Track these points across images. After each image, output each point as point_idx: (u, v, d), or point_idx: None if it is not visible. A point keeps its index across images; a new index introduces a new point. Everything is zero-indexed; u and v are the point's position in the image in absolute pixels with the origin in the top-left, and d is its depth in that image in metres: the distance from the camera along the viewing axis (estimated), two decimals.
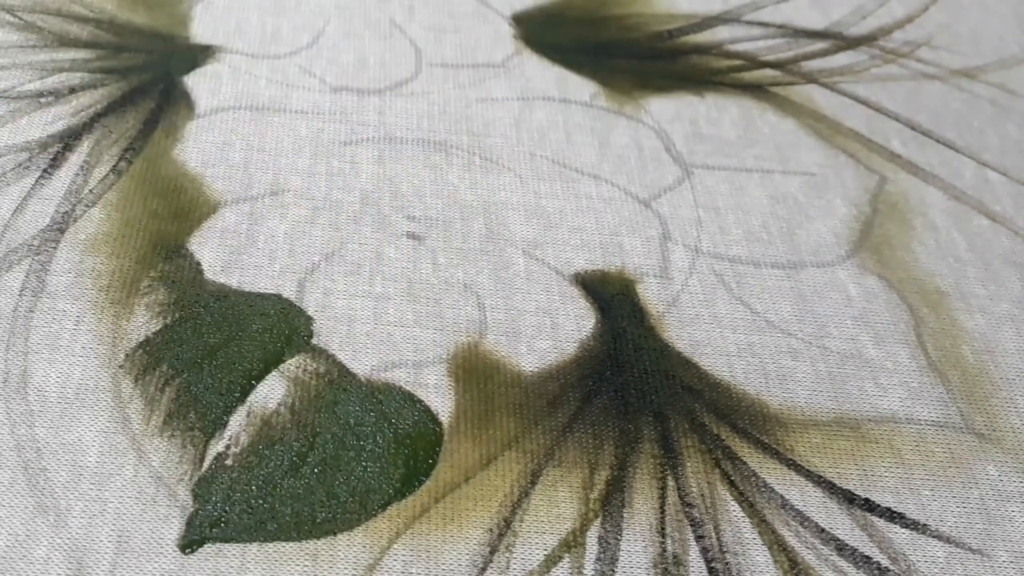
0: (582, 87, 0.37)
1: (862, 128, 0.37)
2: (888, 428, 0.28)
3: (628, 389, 0.28)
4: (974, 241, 0.33)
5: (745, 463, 0.27)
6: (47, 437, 0.26)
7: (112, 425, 0.26)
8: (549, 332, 0.29)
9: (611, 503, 0.26)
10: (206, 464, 0.26)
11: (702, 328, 0.30)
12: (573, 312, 0.30)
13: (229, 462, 0.26)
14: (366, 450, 0.26)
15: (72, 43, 0.36)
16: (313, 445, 0.26)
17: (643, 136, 0.35)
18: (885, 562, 0.26)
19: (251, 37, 0.37)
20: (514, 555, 0.25)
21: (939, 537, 0.26)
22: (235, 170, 0.32)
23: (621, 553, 0.25)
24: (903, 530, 0.26)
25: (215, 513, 0.25)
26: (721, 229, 0.33)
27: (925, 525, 0.26)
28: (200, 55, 0.36)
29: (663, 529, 0.26)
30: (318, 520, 0.25)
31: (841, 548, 0.26)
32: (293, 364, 0.28)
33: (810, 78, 0.38)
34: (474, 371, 0.28)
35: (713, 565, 0.25)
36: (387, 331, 0.29)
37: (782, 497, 0.27)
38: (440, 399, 0.28)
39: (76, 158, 0.32)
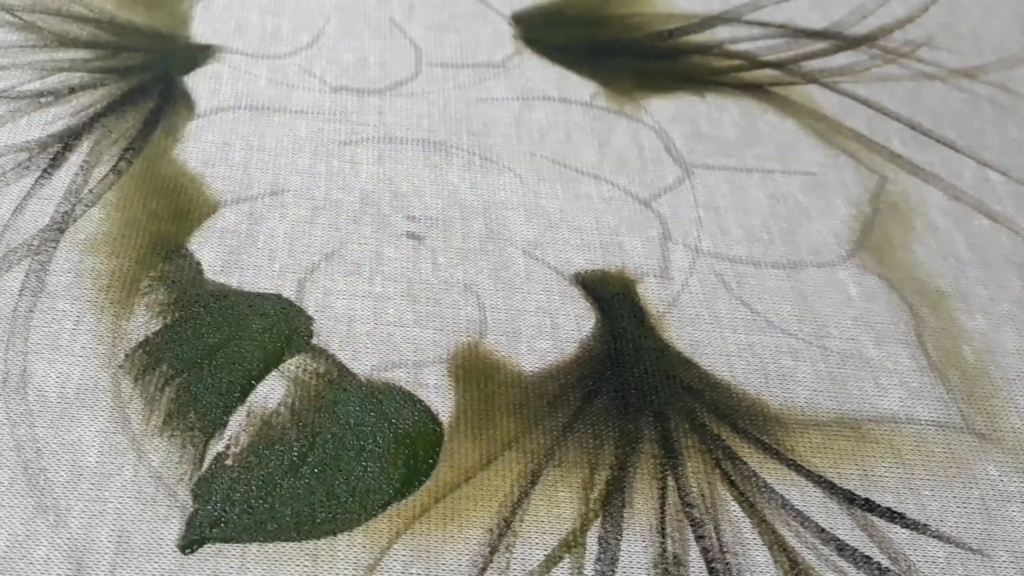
0: (582, 87, 0.37)
1: (862, 128, 0.37)
2: (888, 428, 0.28)
3: (628, 389, 0.28)
4: (974, 241, 0.33)
5: (745, 463, 0.27)
6: (47, 437, 0.26)
7: (112, 425, 0.26)
8: (549, 332, 0.29)
9: (611, 503, 0.26)
10: (206, 464, 0.26)
11: (702, 328, 0.30)
12: (573, 312, 0.30)
13: (229, 462, 0.26)
14: (366, 450, 0.26)
15: (72, 43, 0.36)
16: (313, 445, 0.26)
17: (643, 136, 0.35)
18: (885, 562, 0.26)
19: (251, 37, 0.37)
20: (514, 555, 0.25)
21: (939, 537, 0.26)
22: (235, 170, 0.32)
23: (621, 553, 0.25)
24: (903, 530, 0.26)
25: (215, 513, 0.25)
26: (721, 229, 0.33)
27: (925, 525, 0.26)
28: (200, 55, 0.36)
29: (663, 529, 0.26)
30: (318, 520, 0.25)
31: (841, 548, 0.26)
32: (293, 364, 0.28)
33: (810, 78, 0.38)
34: (474, 371, 0.28)
35: (713, 565, 0.25)
36: (387, 331, 0.29)
37: (782, 497, 0.27)
38: (440, 399, 0.28)
39: (76, 158, 0.32)
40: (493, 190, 0.33)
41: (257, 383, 0.27)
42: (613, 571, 0.25)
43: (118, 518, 0.25)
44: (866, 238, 0.33)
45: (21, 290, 0.28)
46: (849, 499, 0.27)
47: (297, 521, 0.25)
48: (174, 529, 0.25)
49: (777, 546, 0.26)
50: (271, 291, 0.29)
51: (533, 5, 0.40)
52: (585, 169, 0.34)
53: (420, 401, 0.27)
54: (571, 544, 0.25)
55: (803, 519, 0.26)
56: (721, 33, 0.40)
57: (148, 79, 0.35)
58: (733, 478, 0.27)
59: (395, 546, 0.25)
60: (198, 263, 0.30)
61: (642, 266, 0.31)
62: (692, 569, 0.25)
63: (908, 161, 0.36)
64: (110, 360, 0.27)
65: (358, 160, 0.33)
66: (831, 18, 0.41)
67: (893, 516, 0.27)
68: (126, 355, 0.28)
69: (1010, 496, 0.27)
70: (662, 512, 0.26)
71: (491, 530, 0.25)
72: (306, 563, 0.24)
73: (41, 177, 0.31)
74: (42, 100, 0.33)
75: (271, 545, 0.25)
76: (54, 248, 0.30)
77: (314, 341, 0.28)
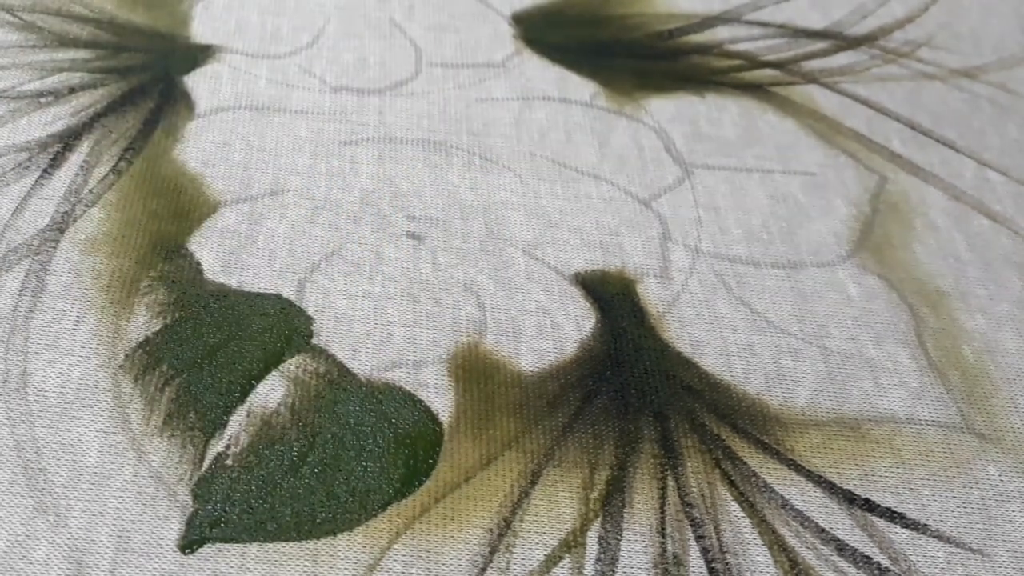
0: (582, 87, 0.37)
1: (862, 128, 0.37)
2: (888, 428, 0.28)
3: (628, 389, 0.28)
4: (974, 241, 0.33)
5: (745, 463, 0.27)
6: (47, 437, 0.26)
7: (112, 425, 0.26)
8: (549, 332, 0.29)
9: (611, 503, 0.26)
10: (206, 464, 0.26)
11: (702, 328, 0.30)
12: (573, 312, 0.30)
13: (229, 462, 0.26)
14: (366, 450, 0.26)
15: (72, 43, 0.36)
16: (313, 445, 0.26)
17: (643, 136, 0.35)
18: (885, 562, 0.26)
19: (251, 37, 0.37)
20: (514, 555, 0.25)
21: (939, 537, 0.26)
22: (235, 170, 0.32)
23: (621, 553, 0.25)
24: (903, 530, 0.26)
25: (215, 513, 0.25)
26: (721, 229, 0.33)
27: (925, 525, 0.26)
28: (200, 55, 0.36)
29: (663, 529, 0.26)
30: (318, 520, 0.25)
31: (841, 548, 0.26)
32: (293, 364, 0.28)
33: (810, 78, 0.38)
34: (474, 371, 0.28)
35: (713, 565, 0.25)
36: (387, 331, 0.29)
37: (782, 497, 0.27)
38: (440, 399, 0.28)
39: (76, 158, 0.32)
40: (493, 190, 0.33)
41: (257, 383, 0.27)
42: (613, 571, 0.25)
43: (118, 518, 0.25)
44: (866, 238, 0.33)
45: (21, 290, 0.28)
46: (849, 499, 0.27)
47: (297, 521, 0.25)
48: (174, 529, 0.25)
49: (777, 546, 0.26)
50: (271, 291, 0.29)
51: (533, 5, 0.40)
52: (585, 169, 0.34)
53: (420, 401, 0.27)
54: (571, 544, 0.25)
55: (803, 519, 0.26)
56: (721, 33, 0.40)
57: (148, 79, 0.35)
58: (733, 478, 0.27)
59: (395, 546, 0.25)
60: (198, 263, 0.30)
61: (642, 266, 0.31)
62: (692, 569, 0.25)
63: (908, 161, 0.36)
64: (110, 360, 0.27)
65: (358, 160, 0.33)
66: (831, 18, 0.41)
67: (893, 516, 0.27)
68: (126, 355, 0.28)
69: (1010, 496, 0.27)
70: (662, 512, 0.26)
71: (491, 530, 0.25)
72: (306, 563, 0.24)
73: (41, 177, 0.31)
74: (42, 100, 0.34)
75: (271, 545, 0.25)
76: (54, 248, 0.30)
77: (314, 341, 0.28)
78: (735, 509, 0.26)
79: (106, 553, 0.24)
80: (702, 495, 0.26)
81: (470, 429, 0.27)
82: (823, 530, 0.26)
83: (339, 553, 0.25)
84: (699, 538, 0.26)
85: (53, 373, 0.27)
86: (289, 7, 0.39)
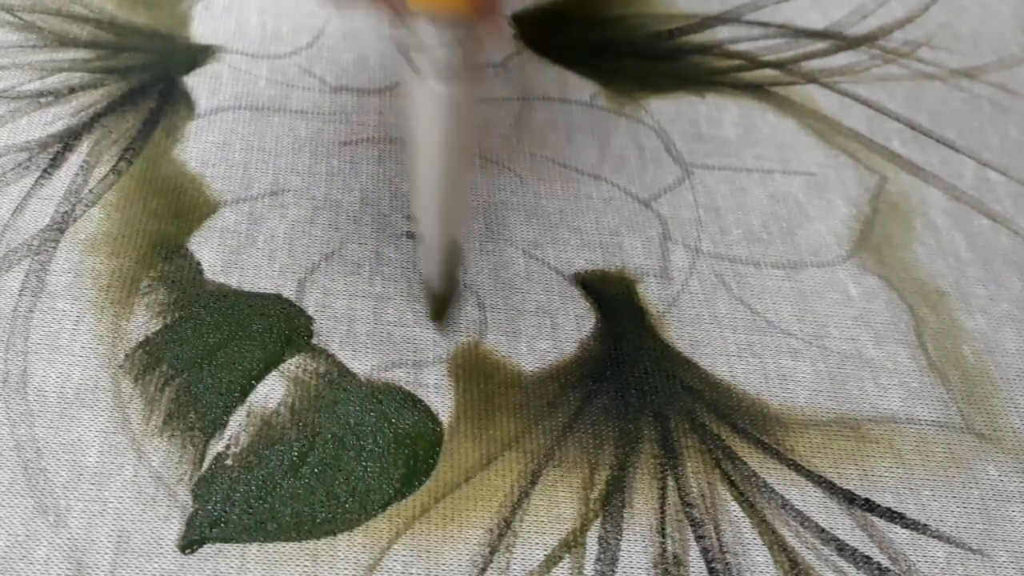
0: (582, 87, 0.37)
1: (862, 128, 0.37)
2: (888, 428, 0.28)
3: (628, 389, 0.28)
4: (974, 241, 0.33)
5: (745, 463, 0.27)
6: (47, 437, 0.26)
7: (112, 425, 0.26)
8: (549, 332, 0.29)
9: (611, 503, 0.26)
10: (206, 464, 0.26)
11: (702, 328, 0.30)
12: (573, 312, 0.30)
13: (229, 462, 0.26)
14: (366, 450, 0.26)
15: (72, 43, 0.36)
16: (313, 445, 0.26)
17: (643, 136, 0.35)
18: (885, 562, 0.26)
19: (251, 37, 0.37)
20: (514, 555, 0.25)
21: (939, 537, 0.26)
22: (235, 170, 0.32)
23: (621, 553, 0.25)
24: (903, 530, 0.26)
25: (215, 513, 0.25)
26: (721, 229, 0.33)
27: (925, 525, 0.26)
28: (200, 55, 0.36)
29: (663, 529, 0.26)
30: (318, 520, 0.25)
31: (841, 548, 0.26)
32: (293, 364, 0.28)
33: (810, 78, 0.38)
34: (474, 371, 0.28)
35: (713, 565, 0.25)
36: (387, 331, 0.29)
37: (782, 497, 0.27)
38: (440, 399, 0.28)
39: (76, 158, 0.32)
40: (493, 190, 0.33)
41: (257, 383, 0.27)
42: (613, 571, 0.25)
43: (118, 518, 0.25)
44: (866, 238, 0.33)
45: (21, 290, 0.28)
46: (849, 499, 0.27)
47: (297, 521, 0.25)
48: (174, 529, 0.25)
49: (777, 546, 0.26)
50: (271, 291, 0.29)
51: (533, 5, 0.40)
52: (585, 169, 0.34)
53: (420, 401, 0.27)
54: (571, 544, 0.25)
55: (803, 519, 0.26)
56: (721, 33, 0.40)
57: (148, 79, 0.35)
58: (733, 478, 0.27)
59: (395, 546, 0.25)
60: (198, 263, 0.30)
61: (642, 266, 0.31)
62: (692, 569, 0.25)
63: (908, 161, 0.36)
64: (110, 360, 0.27)
65: (358, 160, 0.33)
66: (831, 18, 0.41)
67: (893, 516, 0.27)
68: (126, 355, 0.28)
69: (1010, 496, 0.27)
70: (662, 512, 0.26)
71: (491, 530, 0.25)
72: (306, 563, 0.24)
73: (41, 177, 0.31)
74: (42, 100, 0.33)
75: (271, 545, 0.25)
76: (54, 248, 0.30)
77: (314, 341, 0.28)
78: (735, 509, 0.26)
79: (106, 553, 0.24)
80: (702, 495, 0.26)
81: (470, 429, 0.27)
82: (823, 530, 0.26)
83: (339, 553, 0.25)
84: (699, 538, 0.26)
85: (53, 373, 0.27)
86: (289, 7, 0.39)
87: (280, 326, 0.29)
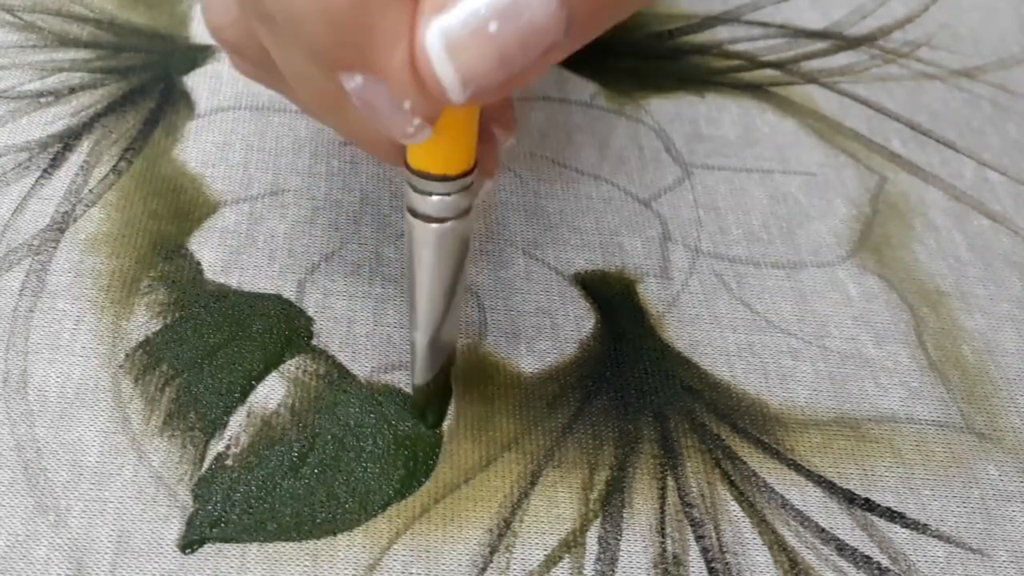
0: (582, 87, 0.37)
1: (862, 128, 0.37)
2: (888, 428, 0.28)
3: (628, 389, 0.28)
4: (974, 241, 0.33)
5: (745, 463, 0.27)
6: (47, 437, 0.26)
7: (112, 425, 0.26)
8: (549, 333, 0.29)
9: (611, 503, 0.26)
10: (206, 464, 0.26)
11: (702, 328, 0.30)
12: (573, 312, 0.30)
13: (229, 462, 0.26)
14: (366, 451, 0.26)
15: (72, 43, 0.36)
16: (313, 446, 0.26)
17: (643, 136, 0.35)
18: (885, 562, 0.26)
19: None
20: (514, 555, 0.25)
21: (939, 537, 0.26)
22: (235, 170, 0.32)
23: (621, 553, 0.25)
24: (903, 530, 0.26)
25: (215, 513, 0.25)
26: (721, 229, 0.33)
27: (925, 525, 0.26)
28: (200, 55, 0.36)
29: (663, 529, 0.26)
30: (318, 520, 0.25)
31: (841, 548, 0.26)
32: (293, 365, 0.28)
33: (810, 78, 0.38)
34: (474, 372, 0.28)
35: (713, 565, 0.25)
36: (387, 332, 0.29)
37: (782, 497, 0.27)
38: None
39: (76, 158, 0.32)
40: (493, 190, 0.33)
41: (257, 384, 0.27)
42: (613, 571, 0.25)
43: (118, 518, 0.25)
44: (866, 238, 0.33)
45: (21, 290, 0.28)
46: (849, 499, 0.27)
47: (297, 521, 0.25)
48: (174, 529, 0.25)
49: (777, 546, 0.26)
50: (271, 291, 0.29)
51: None
52: (585, 169, 0.34)
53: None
54: (571, 544, 0.25)
55: (803, 519, 0.26)
56: (721, 33, 0.40)
57: (148, 79, 0.35)
58: (733, 478, 0.27)
59: (395, 546, 0.25)
60: (198, 263, 0.30)
61: (642, 266, 0.31)
62: (692, 569, 0.25)
63: (908, 161, 0.36)
64: (110, 360, 0.27)
65: (358, 160, 0.33)
66: (831, 18, 0.41)
67: (893, 516, 0.27)
68: (126, 355, 0.28)
69: (1010, 496, 0.27)
70: (662, 512, 0.26)
71: (491, 530, 0.25)
72: (306, 563, 0.24)
73: (41, 177, 0.31)
74: (42, 100, 0.34)
75: (271, 545, 0.25)
76: (54, 248, 0.30)
77: (314, 342, 0.28)
78: (735, 509, 0.26)
79: (106, 553, 0.24)
80: (702, 495, 0.26)
81: (470, 430, 0.27)
82: (823, 530, 0.26)
83: (339, 553, 0.25)
84: (699, 538, 0.26)
85: (53, 373, 0.27)
86: None
87: (280, 327, 0.29)
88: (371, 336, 0.29)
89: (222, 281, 0.29)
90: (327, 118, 0.23)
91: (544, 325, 0.30)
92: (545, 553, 0.25)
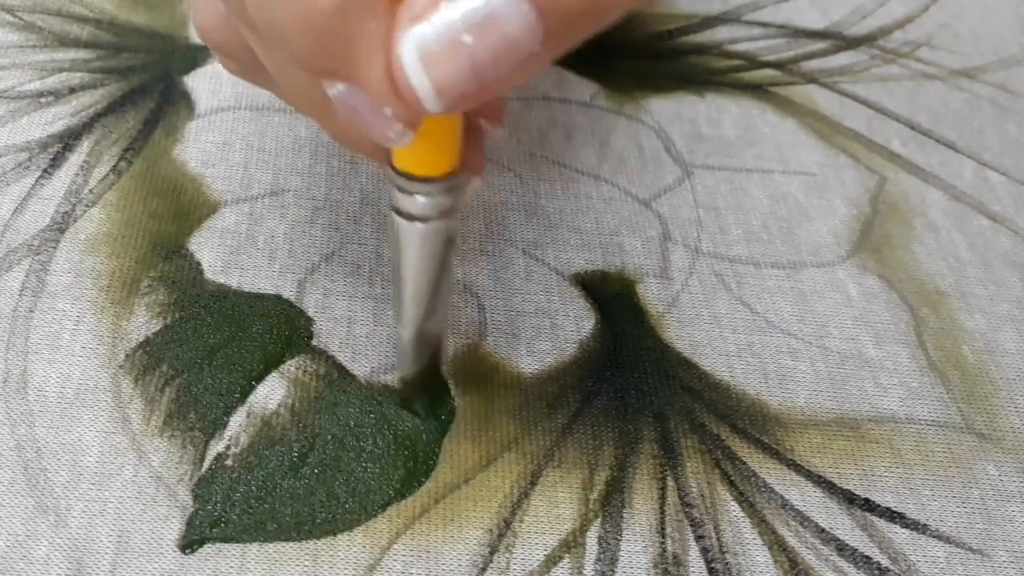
0: (582, 87, 0.37)
1: (862, 128, 0.37)
2: (888, 428, 0.28)
3: (628, 390, 0.28)
4: (974, 241, 0.33)
5: (745, 463, 0.27)
6: (47, 437, 0.26)
7: (112, 425, 0.26)
8: (549, 333, 0.29)
9: (611, 504, 0.26)
10: (206, 464, 0.26)
11: (702, 328, 0.30)
12: (573, 313, 0.30)
13: (229, 462, 0.26)
14: (366, 451, 0.26)
15: (72, 43, 0.36)
16: (313, 446, 0.26)
17: (643, 136, 0.35)
18: (885, 562, 0.26)
19: None
20: (514, 555, 0.25)
21: (939, 537, 0.26)
22: (235, 170, 0.32)
23: (621, 553, 0.25)
24: (903, 530, 0.26)
25: (215, 513, 0.25)
26: (721, 229, 0.33)
27: (925, 525, 0.26)
28: (200, 55, 0.36)
29: (663, 529, 0.26)
30: (318, 520, 0.25)
31: (841, 548, 0.26)
32: (293, 365, 0.28)
33: (810, 78, 0.38)
34: (473, 373, 0.28)
35: (713, 565, 0.25)
36: (387, 332, 0.29)
37: (782, 497, 0.27)
38: None
39: (76, 158, 0.32)
40: (493, 190, 0.33)
41: (257, 384, 0.27)
42: (613, 571, 0.25)
43: (118, 518, 0.25)
44: (866, 238, 0.33)
45: (21, 290, 0.28)
46: (849, 499, 0.27)
47: (297, 521, 0.25)
48: (174, 529, 0.25)
49: (777, 546, 0.26)
50: (271, 292, 0.29)
51: None
52: (585, 169, 0.34)
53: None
54: (571, 544, 0.25)
55: (803, 519, 0.26)
56: (721, 33, 0.40)
57: (148, 79, 0.35)
58: (733, 478, 0.27)
59: (395, 546, 0.25)
60: (198, 263, 0.30)
61: (642, 266, 0.31)
62: (692, 569, 0.25)
63: (908, 161, 0.36)
64: (110, 360, 0.27)
65: (358, 160, 0.33)
66: (831, 18, 0.41)
67: (893, 516, 0.27)
68: (126, 355, 0.28)
69: (1010, 496, 0.27)
70: (662, 512, 0.26)
71: (491, 530, 0.25)
72: (306, 563, 0.24)
73: (41, 177, 0.31)
74: (42, 100, 0.34)
75: (271, 545, 0.25)
76: (54, 248, 0.30)
77: (314, 342, 0.28)
78: (735, 509, 0.26)
79: (106, 553, 0.24)
80: (702, 495, 0.26)
81: (470, 431, 0.27)
82: (823, 530, 0.26)
83: (339, 553, 0.25)
84: (699, 538, 0.26)
85: (53, 373, 0.27)
86: None
87: (280, 327, 0.29)
88: (371, 336, 0.29)
89: (222, 281, 0.29)
90: (314, 118, 0.23)
91: (544, 325, 0.30)
92: (545, 553, 0.25)
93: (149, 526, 0.25)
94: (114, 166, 0.32)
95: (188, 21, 0.37)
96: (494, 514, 0.26)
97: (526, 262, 0.31)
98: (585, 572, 0.25)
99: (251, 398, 0.27)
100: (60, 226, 0.30)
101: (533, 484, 0.26)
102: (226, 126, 0.34)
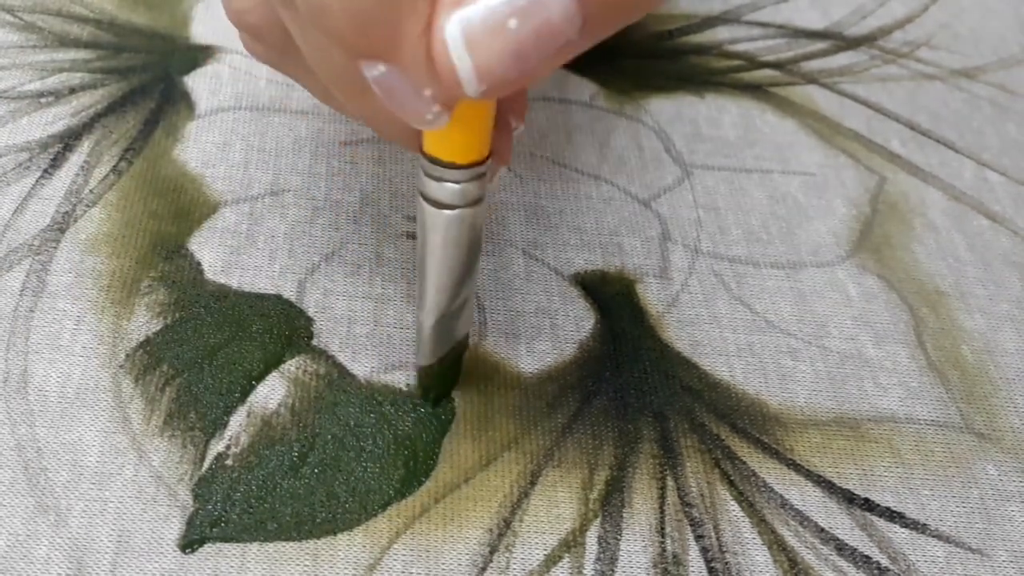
0: (582, 87, 0.37)
1: (862, 128, 0.37)
2: (888, 428, 0.28)
3: (628, 390, 0.28)
4: (974, 241, 0.33)
5: (745, 463, 0.27)
6: (47, 437, 0.26)
7: (112, 425, 0.26)
8: (548, 333, 0.29)
9: (611, 503, 0.26)
10: (206, 464, 0.26)
11: (702, 328, 0.30)
12: (573, 313, 0.30)
13: (229, 462, 0.26)
14: (366, 451, 0.26)
15: (72, 43, 0.36)
16: (313, 446, 0.26)
17: (643, 136, 0.35)
18: (885, 562, 0.26)
19: None
20: (514, 555, 0.25)
21: (939, 537, 0.26)
22: (235, 170, 0.32)
23: (621, 553, 0.25)
24: (903, 530, 0.26)
25: (215, 513, 0.25)
26: (721, 229, 0.33)
27: (925, 525, 0.26)
28: (200, 55, 0.36)
29: (663, 529, 0.26)
30: (318, 520, 0.25)
31: (841, 548, 0.26)
32: (293, 365, 0.28)
33: (810, 78, 0.38)
34: (473, 372, 0.28)
35: (713, 565, 0.25)
36: (387, 332, 0.29)
37: (782, 497, 0.27)
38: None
39: (76, 158, 0.32)
40: (493, 190, 0.33)
41: (257, 384, 0.27)
42: (613, 571, 0.25)
43: (118, 518, 0.25)
44: (865, 238, 0.33)
45: (22, 290, 0.29)
46: (849, 499, 0.27)
47: (297, 521, 0.25)
48: (174, 529, 0.25)
49: (777, 546, 0.26)
50: (271, 291, 0.29)
51: None
52: (585, 169, 0.34)
53: (420, 403, 0.28)
54: (571, 544, 0.25)
55: (803, 519, 0.26)
56: (721, 33, 0.40)
57: (148, 79, 0.35)
58: (733, 478, 0.27)
59: (395, 546, 0.25)
60: (198, 263, 0.30)
61: (641, 266, 0.31)
62: (692, 569, 0.25)
63: (908, 161, 0.36)
64: (111, 360, 0.27)
65: (358, 160, 0.33)
66: (831, 18, 0.41)
67: (893, 516, 0.27)
68: (127, 355, 0.28)
69: (1010, 495, 0.27)
70: (661, 512, 0.26)
71: (491, 530, 0.25)
72: (306, 563, 0.24)
73: (42, 177, 0.31)
74: (42, 100, 0.34)
75: (271, 545, 0.25)
76: (55, 248, 0.30)
77: (314, 342, 0.28)
78: (735, 509, 0.26)
79: (106, 553, 0.24)
80: (701, 495, 0.26)
81: (470, 430, 0.27)
82: (823, 530, 0.26)
83: (339, 553, 0.25)
84: (699, 538, 0.26)
85: (54, 373, 0.27)
86: None
87: (280, 327, 0.29)
88: (371, 336, 0.29)
89: (222, 281, 0.30)
90: (346, 101, 0.23)
91: (544, 325, 0.30)
92: (545, 553, 0.25)
93: (149, 526, 0.25)
94: (114, 166, 0.32)
95: (188, 21, 0.37)
96: (494, 514, 0.26)
97: (526, 262, 0.31)
98: (585, 572, 0.25)
99: (251, 398, 0.27)
100: (60, 226, 0.30)
101: (533, 484, 0.26)
102: (226, 126, 0.34)
